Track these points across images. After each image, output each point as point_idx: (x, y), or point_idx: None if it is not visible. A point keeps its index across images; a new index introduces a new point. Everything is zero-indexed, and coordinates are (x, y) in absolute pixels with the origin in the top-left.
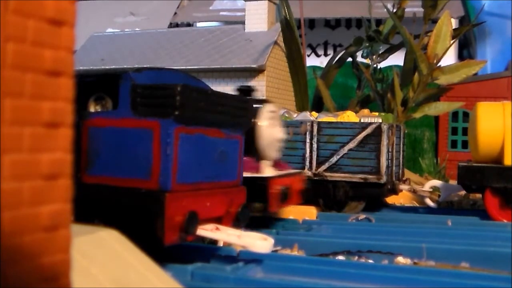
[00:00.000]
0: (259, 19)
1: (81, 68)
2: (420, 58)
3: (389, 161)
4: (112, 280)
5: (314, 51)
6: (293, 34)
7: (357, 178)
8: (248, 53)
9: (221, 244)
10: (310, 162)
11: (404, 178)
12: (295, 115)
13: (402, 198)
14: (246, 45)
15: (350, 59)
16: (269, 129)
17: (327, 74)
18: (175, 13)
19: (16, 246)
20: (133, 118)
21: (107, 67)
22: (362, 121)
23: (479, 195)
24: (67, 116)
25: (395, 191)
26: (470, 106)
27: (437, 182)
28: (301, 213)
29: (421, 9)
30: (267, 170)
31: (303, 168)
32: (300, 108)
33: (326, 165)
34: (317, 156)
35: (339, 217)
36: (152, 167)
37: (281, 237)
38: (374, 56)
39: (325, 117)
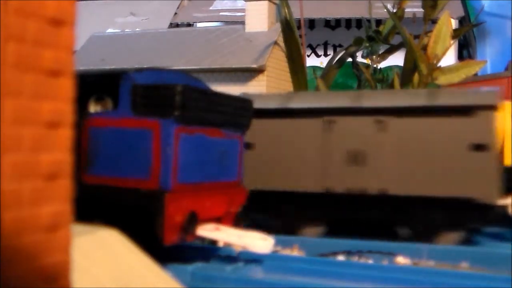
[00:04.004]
0: (259, 19)
1: (81, 68)
2: (420, 58)
3: None
4: (112, 280)
5: (314, 51)
6: (293, 34)
7: None
8: (248, 53)
9: (221, 244)
10: None
11: None
12: None
13: None
14: (246, 45)
15: (350, 59)
16: None
17: (327, 74)
18: (175, 13)
19: (16, 246)
20: (133, 118)
21: (107, 67)
22: None
23: None
24: (67, 116)
25: None
26: None
27: None
28: None
29: (421, 10)
30: None
31: None
32: None
33: None
34: None
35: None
36: (152, 167)
37: (281, 237)
38: (374, 56)
39: None
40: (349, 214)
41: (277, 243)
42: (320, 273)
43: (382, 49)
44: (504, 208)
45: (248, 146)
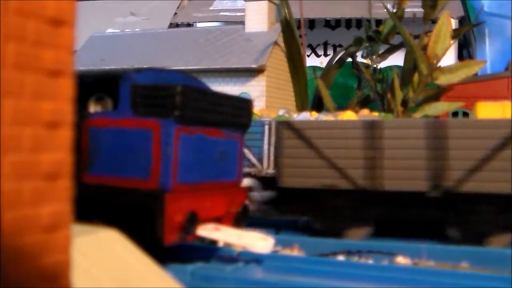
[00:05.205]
0: (259, 19)
1: (81, 68)
2: (420, 58)
3: None
4: (112, 280)
5: (314, 51)
6: (293, 34)
7: None
8: (248, 53)
9: (221, 244)
10: None
11: None
12: (295, 115)
13: None
14: (246, 45)
15: (350, 59)
16: None
17: (327, 74)
18: (175, 13)
19: (16, 246)
20: (133, 118)
21: (107, 67)
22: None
23: None
24: (67, 116)
25: None
26: (470, 106)
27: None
28: None
29: (421, 10)
30: None
31: None
32: (300, 108)
33: None
34: None
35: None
36: (152, 167)
37: (281, 237)
38: (374, 56)
39: (325, 118)
40: None
41: (277, 243)
42: (320, 273)
43: (382, 49)
44: None
45: None
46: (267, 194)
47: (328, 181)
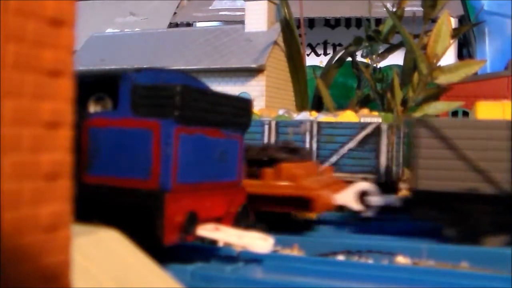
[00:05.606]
0: (259, 19)
1: (81, 68)
2: (420, 58)
3: (389, 160)
4: (112, 280)
5: (313, 50)
6: (293, 34)
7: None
8: (248, 53)
9: (221, 244)
10: None
11: (404, 178)
12: (295, 115)
13: None
14: (246, 45)
15: (349, 58)
16: None
17: (327, 74)
18: (175, 13)
19: (16, 246)
20: (133, 118)
21: (107, 67)
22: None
23: None
24: (67, 116)
25: (394, 190)
26: (470, 106)
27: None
28: None
29: (421, 9)
30: None
31: None
32: (300, 108)
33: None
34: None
35: None
36: (152, 167)
37: (281, 237)
38: (373, 56)
39: (325, 117)
40: None
41: (277, 243)
42: (320, 273)
43: (381, 48)
44: None
45: None
46: (390, 199)
47: (468, 185)
